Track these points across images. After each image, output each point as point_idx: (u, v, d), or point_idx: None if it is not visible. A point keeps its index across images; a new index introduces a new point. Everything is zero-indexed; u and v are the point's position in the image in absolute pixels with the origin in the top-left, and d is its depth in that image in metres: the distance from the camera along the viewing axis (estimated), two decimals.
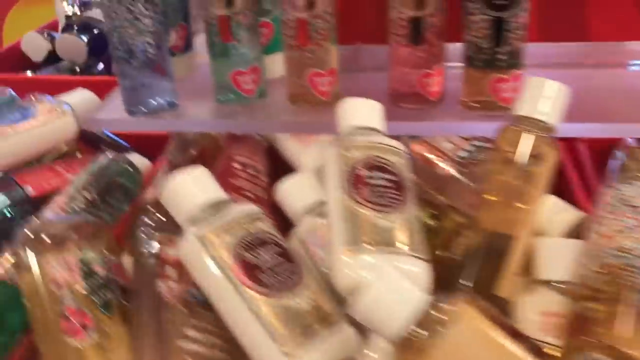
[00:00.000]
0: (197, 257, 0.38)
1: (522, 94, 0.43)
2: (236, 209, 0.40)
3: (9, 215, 0.47)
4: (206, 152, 0.55)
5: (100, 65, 0.83)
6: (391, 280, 0.34)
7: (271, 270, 0.37)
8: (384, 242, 0.38)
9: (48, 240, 0.39)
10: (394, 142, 0.44)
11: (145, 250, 0.41)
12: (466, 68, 0.50)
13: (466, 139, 0.51)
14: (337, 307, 0.38)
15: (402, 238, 0.39)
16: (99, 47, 0.84)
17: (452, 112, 0.52)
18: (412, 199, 0.41)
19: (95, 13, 0.90)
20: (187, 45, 0.61)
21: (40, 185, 0.50)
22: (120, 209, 0.50)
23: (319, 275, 0.41)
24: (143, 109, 0.54)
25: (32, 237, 0.39)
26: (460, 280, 0.40)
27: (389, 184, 0.41)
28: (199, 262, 0.38)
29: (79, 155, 0.60)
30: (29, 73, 0.92)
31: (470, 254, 0.40)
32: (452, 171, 0.49)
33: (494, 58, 0.48)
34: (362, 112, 0.46)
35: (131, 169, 0.51)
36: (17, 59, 0.94)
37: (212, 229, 0.38)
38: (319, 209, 0.45)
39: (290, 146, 0.54)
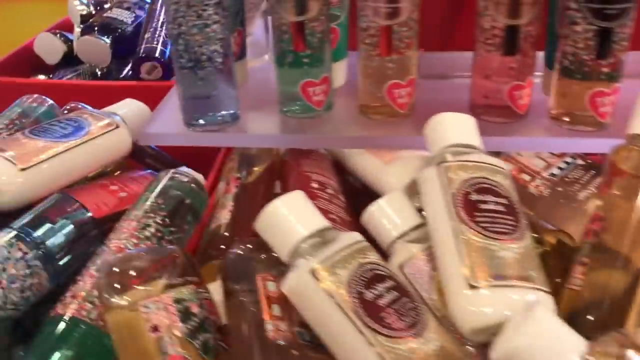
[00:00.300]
0: (309, 293, 0.34)
1: (638, 110, 0.40)
2: (342, 238, 0.36)
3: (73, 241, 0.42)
4: (273, 169, 0.51)
5: (126, 69, 0.78)
6: (544, 323, 0.31)
7: (391, 308, 0.34)
8: (505, 274, 0.35)
9: (135, 275, 0.35)
10: (496, 161, 0.41)
11: (239, 287, 0.37)
12: (561, 79, 0.47)
13: (558, 156, 0.47)
14: (460, 347, 0.35)
15: (522, 269, 0.36)
16: (121, 50, 0.79)
17: (539, 126, 0.49)
18: (525, 224, 0.38)
19: (114, 12, 0.85)
20: (242, 52, 0.56)
21: (98, 207, 0.46)
22: (189, 233, 0.45)
23: (431, 310, 0.37)
24: (203, 121, 0.50)
25: (118, 271, 0.35)
26: (588, 316, 0.37)
27: (501, 209, 0.38)
28: (311, 299, 0.34)
29: (115, 172, 0.55)
30: (41, 77, 0.86)
31: (597, 287, 0.37)
32: (547, 190, 0.46)
33: (596, 70, 0.44)
34: (457, 128, 0.43)
35: (197, 188, 0.47)
36: (26, 61, 0.88)
37: (322, 261, 0.34)
38: (413, 234, 0.42)
39: (365, 162, 0.50)
